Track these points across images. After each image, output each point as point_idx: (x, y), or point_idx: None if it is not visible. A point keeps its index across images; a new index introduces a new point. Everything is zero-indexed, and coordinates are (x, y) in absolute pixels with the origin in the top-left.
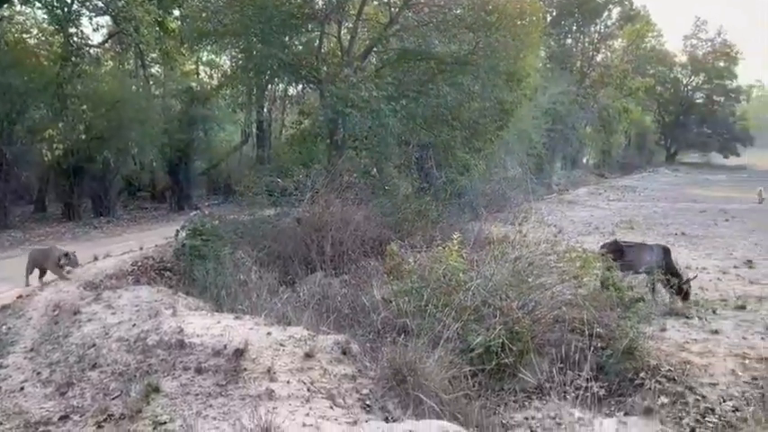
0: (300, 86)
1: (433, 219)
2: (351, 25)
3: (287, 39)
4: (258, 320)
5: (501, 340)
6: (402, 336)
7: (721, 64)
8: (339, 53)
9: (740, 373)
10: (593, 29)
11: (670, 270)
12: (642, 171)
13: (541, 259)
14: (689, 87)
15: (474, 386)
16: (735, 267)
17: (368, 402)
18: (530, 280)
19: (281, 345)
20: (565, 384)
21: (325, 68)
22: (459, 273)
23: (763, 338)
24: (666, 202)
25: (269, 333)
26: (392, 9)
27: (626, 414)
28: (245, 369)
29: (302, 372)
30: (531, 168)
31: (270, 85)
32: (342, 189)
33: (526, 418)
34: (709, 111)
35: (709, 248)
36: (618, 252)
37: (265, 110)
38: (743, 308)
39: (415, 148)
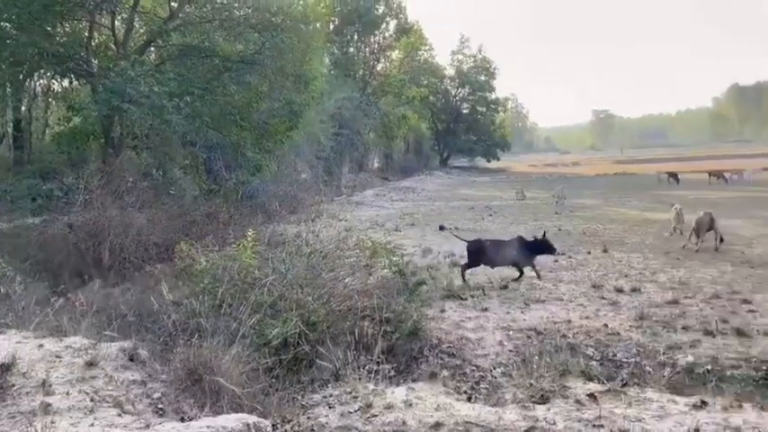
0: (68, 81)
1: (224, 221)
2: (126, 16)
3: (50, 27)
4: (26, 334)
5: (297, 331)
6: (196, 336)
7: (482, 78)
8: (114, 46)
9: (506, 343)
10: (372, 39)
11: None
12: (420, 174)
13: (334, 253)
14: (457, 98)
15: (273, 378)
16: None
17: (160, 406)
18: (324, 273)
19: (57, 356)
20: (359, 368)
21: (96, 61)
22: (254, 270)
23: (522, 312)
24: (441, 201)
25: (41, 345)
26: (172, 3)
27: (414, 381)
28: (14, 385)
29: (84, 382)
30: (321, 171)
31: (29, 80)
32: (121, 192)
33: (324, 397)
34: (474, 120)
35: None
36: (481, 249)
37: (24, 107)
38: (505, 288)
39: (202, 148)
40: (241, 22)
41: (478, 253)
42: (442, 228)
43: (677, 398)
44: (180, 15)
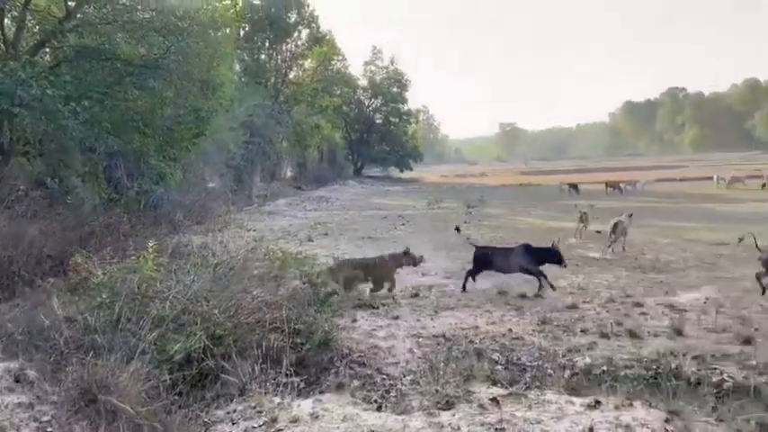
0: None
1: (126, 232)
2: (17, 15)
3: None
4: None
5: (202, 346)
6: (91, 354)
7: (395, 89)
8: (3, 46)
9: (416, 351)
10: (285, 47)
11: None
12: (334, 183)
13: (242, 264)
14: (370, 109)
15: (176, 395)
16: None
17: (49, 430)
18: (231, 285)
19: None
20: (267, 382)
21: None
22: (156, 282)
23: (432, 319)
24: (355, 210)
25: None
26: (68, 2)
27: (321, 393)
28: None
29: None
30: (230, 180)
31: None
32: (10, 201)
33: (228, 413)
34: (387, 130)
35: (391, 248)
36: (487, 256)
37: None
38: (416, 295)
39: (102, 155)
40: (144, 24)
41: (484, 260)
42: (458, 229)
43: (574, 398)
44: (77, 15)
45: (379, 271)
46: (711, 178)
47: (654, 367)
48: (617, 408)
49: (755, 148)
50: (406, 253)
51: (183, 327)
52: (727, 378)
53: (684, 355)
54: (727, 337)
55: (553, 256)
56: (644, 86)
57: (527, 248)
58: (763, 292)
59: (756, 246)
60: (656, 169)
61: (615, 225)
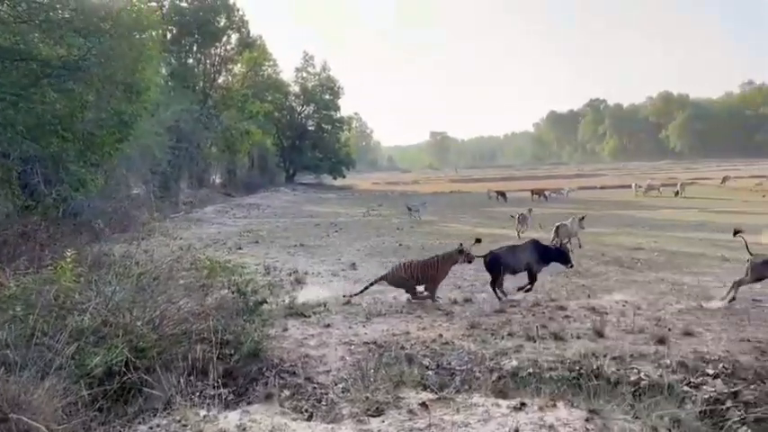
0: None
1: (42, 241)
2: None
3: None
4: None
5: (124, 359)
6: (2, 371)
7: (327, 96)
8: None
9: (347, 358)
10: (213, 51)
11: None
12: (265, 190)
13: (167, 273)
14: (302, 115)
15: (96, 411)
16: (343, 270)
17: None
18: (155, 295)
19: None
20: (194, 394)
21: None
22: (74, 293)
23: (364, 326)
24: (287, 217)
25: None
26: None
27: (249, 404)
28: None
29: None
30: (156, 186)
31: None
32: None
33: (151, 428)
34: (320, 137)
35: (323, 256)
36: (496, 260)
37: None
38: (349, 302)
39: (17, 160)
40: (63, 24)
41: (496, 264)
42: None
43: (501, 401)
44: None
45: (432, 271)
46: (630, 186)
47: (576, 368)
48: (541, 409)
49: (668, 158)
50: (461, 251)
51: (104, 339)
52: (643, 377)
53: (605, 355)
54: (643, 338)
55: (561, 257)
56: (567, 98)
57: (534, 244)
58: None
59: (747, 249)
60: (578, 177)
61: (558, 228)
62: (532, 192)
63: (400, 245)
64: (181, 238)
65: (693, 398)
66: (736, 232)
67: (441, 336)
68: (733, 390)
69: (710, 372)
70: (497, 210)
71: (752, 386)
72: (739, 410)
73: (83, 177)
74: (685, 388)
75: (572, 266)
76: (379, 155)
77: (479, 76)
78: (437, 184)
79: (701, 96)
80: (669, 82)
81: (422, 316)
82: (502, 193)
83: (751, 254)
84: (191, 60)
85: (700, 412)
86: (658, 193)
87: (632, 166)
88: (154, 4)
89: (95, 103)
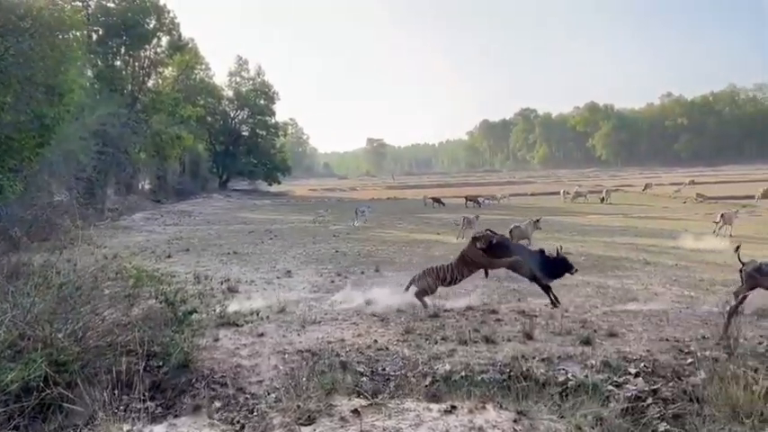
0: None
1: None
2: None
3: None
4: None
5: (43, 374)
6: None
7: (262, 101)
8: None
9: (281, 367)
10: (142, 54)
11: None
12: (197, 197)
13: (92, 284)
14: (236, 120)
15: (11, 430)
16: (278, 278)
17: None
18: (78, 306)
19: None
20: (119, 409)
21: None
22: None
23: (299, 334)
24: (220, 225)
25: None
26: None
27: (176, 417)
28: None
29: None
30: (80, 193)
31: None
32: None
33: None
34: (254, 143)
35: (257, 263)
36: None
37: None
38: (283, 310)
39: None
40: None
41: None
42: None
43: (432, 405)
44: None
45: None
46: (559, 193)
47: (507, 370)
48: (471, 411)
49: (595, 166)
50: (480, 237)
51: (21, 354)
52: (570, 377)
53: (534, 357)
54: (570, 340)
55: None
56: (499, 107)
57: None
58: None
59: (739, 259)
60: (509, 184)
61: (511, 231)
62: (466, 198)
63: (337, 251)
64: (106, 247)
65: (617, 396)
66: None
67: (376, 342)
68: (653, 387)
69: (632, 371)
70: (433, 216)
71: (670, 383)
72: (658, 407)
73: (0, 183)
74: (609, 387)
75: (576, 270)
76: (316, 161)
77: (415, 85)
78: (374, 190)
79: (625, 107)
80: (598, 93)
81: (357, 323)
82: (437, 200)
83: (743, 262)
84: (118, 62)
85: (622, 410)
86: (585, 200)
87: (561, 174)
88: (78, 3)
89: (14, 105)
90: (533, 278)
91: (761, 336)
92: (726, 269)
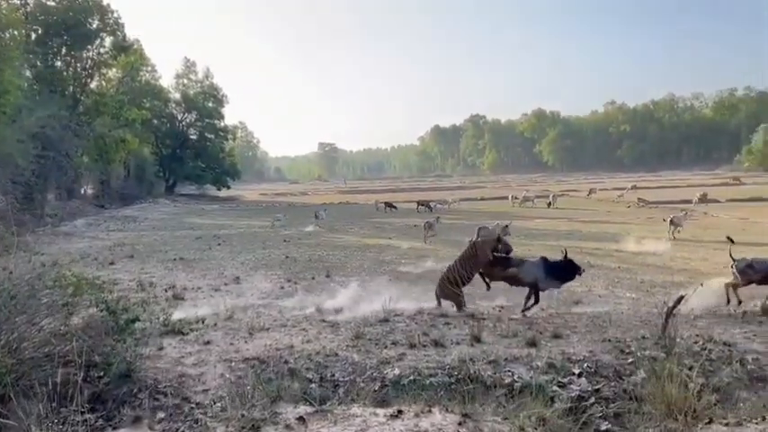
0: None
1: None
2: None
3: None
4: None
5: None
6: None
7: (210, 104)
8: None
9: (228, 376)
10: (85, 54)
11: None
12: (143, 202)
13: (28, 292)
14: (183, 123)
15: None
16: (225, 285)
17: None
18: (13, 316)
19: None
20: (56, 422)
21: None
22: None
23: (246, 341)
24: (166, 230)
25: None
26: None
27: (115, 429)
28: None
29: None
30: (18, 198)
31: None
32: None
33: None
34: (203, 146)
35: (204, 270)
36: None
37: None
38: (231, 318)
39: None
40: None
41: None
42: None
43: (379, 410)
44: None
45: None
46: (507, 198)
47: (455, 373)
48: (417, 415)
49: (542, 171)
50: (499, 239)
51: None
52: (516, 379)
53: (481, 360)
54: (517, 341)
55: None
56: (450, 113)
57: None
58: (739, 304)
59: (731, 256)
60: (460, 189)
61: (479, 230)
62: (418, 203)
63: (287, 257)
64: (44, 254)
65: (561, 396)
66: (730, 240)
67: (325, 347)
68: (595, 387)
69: (576, 371)
70: (385, 221)
71: (612, 383)
72: (600, 406)
73: None
74: (554, 388)
75: (582, 271)
76: (267, 165)
77: (368, 89)
78: (326, 195)
79: (570, 114)
80: (547, 99)
81: (307, 329)
82: (390, 204)
83: (734, 259)
84: (59, 63)
85: (565, 410)
86: (533, 204)
87: (509, 179)
88: (16, 1)
89: None
90: (534, 288)
91: (696, 335)
92: (665, 271)
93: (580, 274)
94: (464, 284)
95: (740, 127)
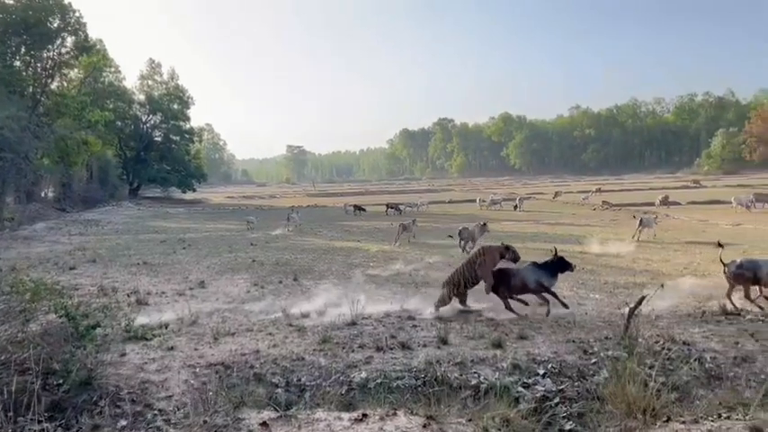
0: None
1: None
2: None
3: None
4: None
5: None
6: None
7: (175, 106)
8: None
9: (192, 382)
10: (45, 54)
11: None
12: (106, 205)
13: None
14: (148, 125)
15: None
16: (190, 289)
17: None
18: None
19: None
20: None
21: None
22: None
23: (211, 347)
24: (130, 234)
25: None
26: None
27: None
28: None
29: None
30: None
31: None
32: None
33: None
34: (168, 149)
35: (169, 274)
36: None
37: None
38: (195, 323)
39: None
40: None
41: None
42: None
43: (343, 414)
44: None
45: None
46: (475, 200)
47: (422, 376)
48: (382, 418)
49: (509, 174)
50: (508, 247)
51: None
52: (482, 380)
53: (448, 362)
54: (483, 343)
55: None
56: (419, 116)
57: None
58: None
59: (721, 260)
60: (428, 192)
61: (460, 231)
62: (387, 206)
63: (254, 261)
64: (1, 258)
65: (526, 397)
66: (719, 245)
67: (292, 352)
68: (559, 387)
69: (541, 372)
70: (354, 224)
71: (575, 383)
72: (564, 406)
73: None
74: (519, 388)
75: (574, 268)
76: (234, 168)
77: (335, 93)
78: (294, 198)
79: (537, 118)
80: (513, 104)
81: (273, 333)
82: (359, 207)
83: (724, 264)
84: (18, 63)
85: (530, 410)
86: (500, 207)
87: (477, 182)
88: None
89: None
90: (542, 290)
91: (657, 335)
92: (627, 272)
93: (572, 270)
94: (467, 288)
95: (700, 131)
